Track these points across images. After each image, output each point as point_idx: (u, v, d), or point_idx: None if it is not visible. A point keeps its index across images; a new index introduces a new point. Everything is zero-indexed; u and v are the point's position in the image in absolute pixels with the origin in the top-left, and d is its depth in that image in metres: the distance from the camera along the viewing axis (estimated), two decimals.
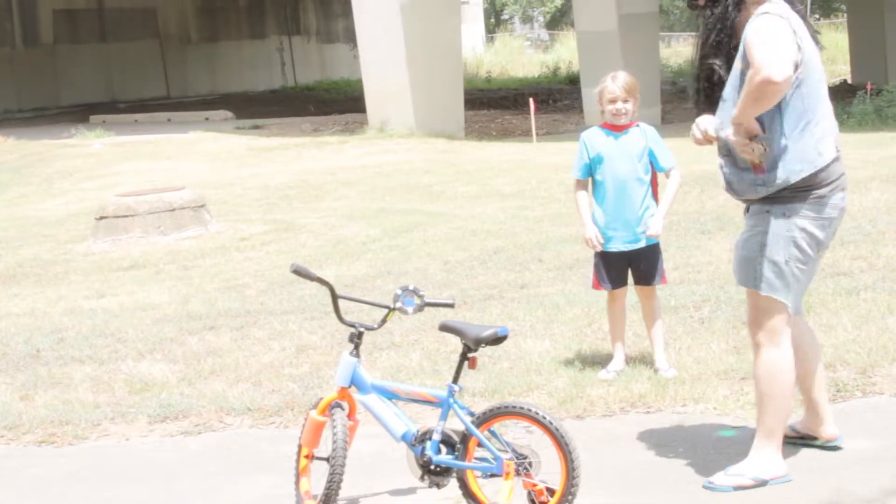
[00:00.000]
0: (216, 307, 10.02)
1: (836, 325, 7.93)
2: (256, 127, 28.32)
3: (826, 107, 5.44)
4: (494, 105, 34.11)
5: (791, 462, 5.79)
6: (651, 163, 7.22)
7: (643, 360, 7.50)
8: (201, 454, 6.70)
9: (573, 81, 37.30)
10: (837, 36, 49.17)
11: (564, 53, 50.18)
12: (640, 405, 6.82)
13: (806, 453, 5.94)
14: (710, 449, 6.12)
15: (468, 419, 5.10)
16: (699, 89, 5.71)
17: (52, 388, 8.01)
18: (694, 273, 9.78)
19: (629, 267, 7.34)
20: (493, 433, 5.10)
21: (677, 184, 7.24)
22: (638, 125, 7.25)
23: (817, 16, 65.75)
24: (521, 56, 56.21)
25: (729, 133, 5.32)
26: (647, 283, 7.29)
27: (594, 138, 7.31)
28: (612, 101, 7.16)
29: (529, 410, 5.05)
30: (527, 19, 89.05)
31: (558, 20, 79.76)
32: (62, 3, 41.84)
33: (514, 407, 5.13)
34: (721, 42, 5.51)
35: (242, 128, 28.16)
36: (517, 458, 5.01)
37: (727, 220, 12.01)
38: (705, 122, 5.49)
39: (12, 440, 7.18)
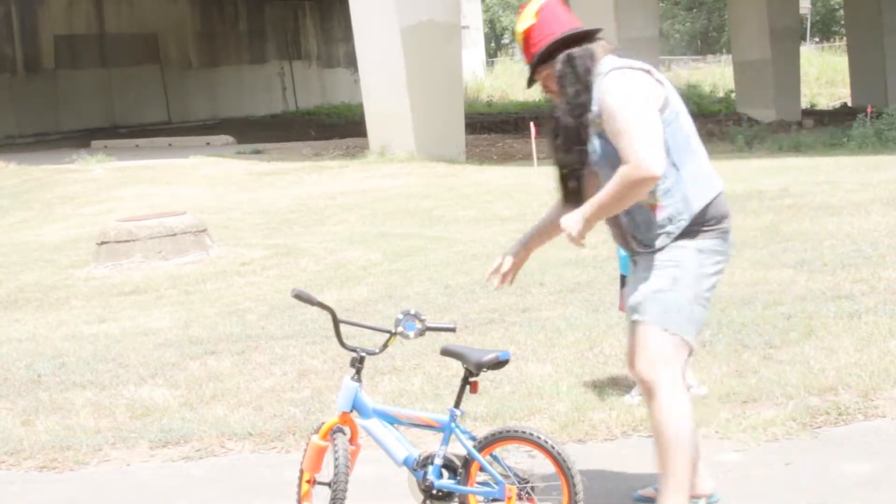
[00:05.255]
0: (217, 332, 10.02)
1: (837, 348, 7.92)
2: (257, 151, 28.39)
3: (697, 139, 5.20)
4: (495, 129, 34.19)
5: (793, 483, 5.78)
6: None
7: None
8: (202, 479, 6.68)
9: None
10: (837, 59, 49.32)
11: None
12: (642, 429, 6.80)
13: (806, 475, 5.92)
14: (712, 472, 6.10)
15: (470, 444, 5.09)
16: (565, 188, 5.37)
17: (53, 414, 8.00)
18: None
19: None
20: (494, 458, 5.08)
21: None
22: None
23: (817, 39, 65.98)
24: (521, 80, 56.21)
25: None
26: None
27: None
28: None
29: (531, 435, 5.03)
30: None
31: None
32: (63, 29, 41.99)
33: (517, 431, 5.11)
34: (577, 137, 5.14)
35: (243, 152, 28.22)
36: (519, 482, 4.99)
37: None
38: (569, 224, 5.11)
39: (13, 466, 7.16)
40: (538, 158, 22.66)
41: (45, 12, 41.51)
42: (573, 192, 5.28)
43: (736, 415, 6.86)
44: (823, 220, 13.06)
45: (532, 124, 22.45)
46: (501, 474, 5.01)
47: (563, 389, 7.54)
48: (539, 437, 5.00)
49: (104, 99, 43.02)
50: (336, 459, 5.16)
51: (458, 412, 5.11)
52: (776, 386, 7.23)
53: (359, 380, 5.28)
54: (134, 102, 43.80)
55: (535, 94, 47.83)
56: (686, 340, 5.12)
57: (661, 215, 5.02)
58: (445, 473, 5.15)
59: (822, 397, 7.02)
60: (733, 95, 36.97)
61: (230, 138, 32.46)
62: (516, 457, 5.27)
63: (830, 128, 26.23)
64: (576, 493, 4.95)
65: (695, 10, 77.12)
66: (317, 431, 5.37)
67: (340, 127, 36.30)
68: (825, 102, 40.97)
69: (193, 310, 11.10)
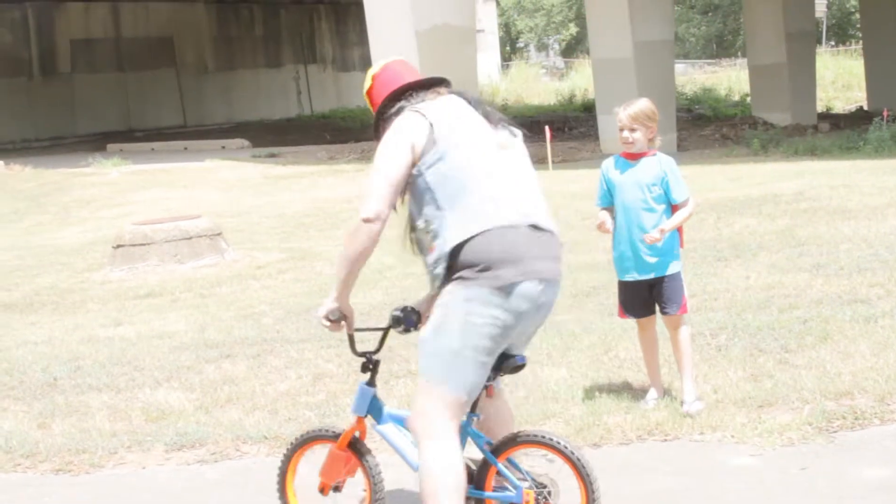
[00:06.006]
0: (233, 335, 10.03)
1: (853, 352, 7.91)
2: (272, 155, 28.43)
3: (496, 178, 4.88)
4: None
5: (809, 488, 5.77)
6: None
7: (665, 388, 7.46)
8: (218, 483, 6.69)
9: (588, 109, 37.39)
10: (853, 63, 49.19)
11: (580, 81, 50.33)
12: (658, 433, 6.80)
13: (823, 480, 5.91)
14: (727, 477, 6.10)
15: (486, 448, 5.08)
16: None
17: (69, 417, 8.02)
18: (710, 300, 9.76)
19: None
20: (511, 462, 5.07)
21: (689, 211, 7.17)
22: (655, 154, 7.18)
23: (833, 42, 65.88)
24: (536, 84, 56.30)
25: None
26: (664, 312, 7.23)
27: (610, 167, 7.29)
28: (620, 130, 7.13)
29: (549, 439, 5.02)
30: (542, 47, 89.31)
31: (574, 48, 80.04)
32: (80, 33, 42.12)
33: (533, 435, 5.09)
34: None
35: (259, 156, 28.27)
36: (536, 487, 4.99)
37: (743, 248, 12.00)
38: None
39: (29, 468, 7.18)
40: (553, 162, 22.64)
41: (61, 16, 41.64)
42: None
43: (752, 419, 6.85)
44: (839, 224, 13.03)
45: (547, 128, 22.43)
46: (519, 479, 5.00)
47: (579, 393, 7.54)
48: (557, 442, 4.99)
49: (120, 103, 43.13)
50: (372, 478, 5.26)
51: (474, 417, 5.10)
52: (792, 390, 7.22)
53: (373, 384, 5.29)
54: (150, 106, 43.91)
55: (551, 97, 47.91)
56: (449, 393, 4.83)
57: (430, 258, 4.87)
58: None
59: (838, 402, 7.01)
60: (749, 99, 36.88)
61: (246, 142, 32.51)
62: (533, 461, 5.25)
63: (846, 131, 26.14)
64: (594, 499, 4.94)
65: (710, 14, 77.03)
66: (303, 444, 5.43)
67: (356, 130, 36.30)
68: (841, 106, 40.84)
69: (209, 313, 11.12)
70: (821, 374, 7.49)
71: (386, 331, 5.23)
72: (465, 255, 4.74)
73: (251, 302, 11.56)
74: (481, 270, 4.73)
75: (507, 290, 4.73)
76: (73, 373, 9.16)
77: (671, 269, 7.15)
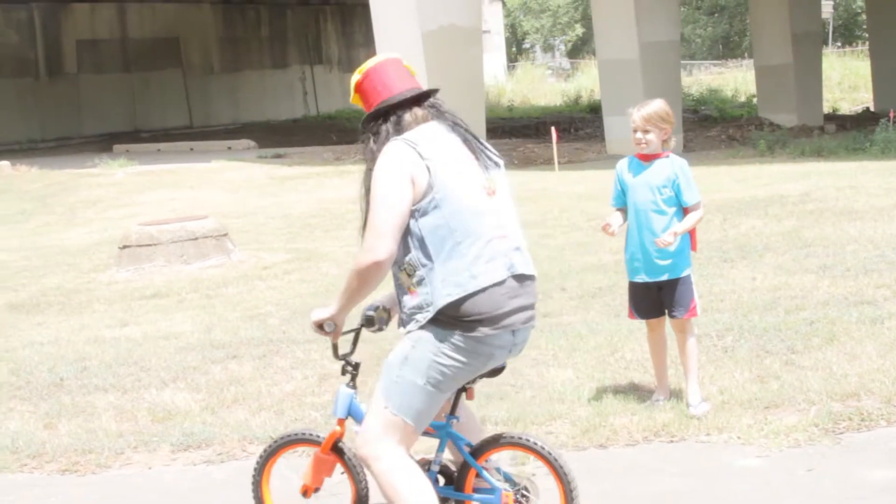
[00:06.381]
0: (239, 336, 10.04)
1: (860, 353, 7.90)
2: (278, 156, 28.43)
3: (485, 226, 4.84)
4: (516, 134, 34.17)
5: (815, 489, 5.77)
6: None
7: (670, 389, 7.45)
8: (224, 483, 6.70)
9: (595, 110, 37.40)
10: (859, 64, 49.13)
11: (586, 82, 50.30)
12: (664, 434, 6.80)
13: (829, 481, 5.91)
14: (734, 478, 6.10)
15: (466, 450, 5.08)
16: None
17: (75, 417, 8.03)
18: (717, 302, 9.75)
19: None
20: (490, 463, 5.07)
21: (699, 216, 7.14)
22: (668, 156, 7.15)
23: (839, 43, 65.80)
24: (542, 85, 56.30)
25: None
26: (672, 315, 7.22)
27: (624, 167, 7.27)
28: (634, 131, 7.12)
29: (527, 441, 5.02)
30: (548, 48, 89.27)
31: (580, 49, 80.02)
32: (86, 34, 42.16)
33: (512, 437, 5.09)
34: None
35: (265, 157, 28.27)
36: (515, 488, 4.99)
37: (749, 249, 11.99)
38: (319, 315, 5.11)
39: (36, 469, 7.19)
40: (559, 163, 22.65)
41: (67, 17, 41.67)
42: None
43: (758, 420, 6.85)
44: (846, 225, 13.02)
45: (553, 129, 22.45)
46: (498, 480, 5.00)
47: (585, 394, 7.54)
48: (535, 444, 5.00)
49: (126, 103, 43.16)
50: (357, 482, 5.25)
51: (454, 419, 5.09)
52: (798, 391, 7.22)
53: (353, 387, 5.27)
54: (156, 107, 43.94)
55: (557, 98, 47.91)
56: (403, 422, 4.85)
57: (412, 302, 4.83)
58: (441, 479, 5.14)
59: (844, 403, 7.01)
60: (755, 100, 36.85)
61: (252, 143, 32.52)
62: (512, 462, 5.24)
63: (853, 132, 26.11)
64: (572, 498, 4.96)
65: (716, 15, 76.98)
66: (282, 447, 5.42)
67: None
68: (847, 107, 40.81)
69: (215, 314, 11.13)
70: (827, 375, 7.49)
71: (358, 331, 5.22)
72: (448, 309, 4.76)
73: (257, 303, 11.57)
74: (467, 322, 4.76)
75: (480, 339, 4.78)
76: (79, 373, 9.17)
77: (681, 272, 7.12)
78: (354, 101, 5.21)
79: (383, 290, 5.19)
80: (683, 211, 7.09)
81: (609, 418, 7.06)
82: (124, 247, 13.87)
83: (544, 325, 9.55)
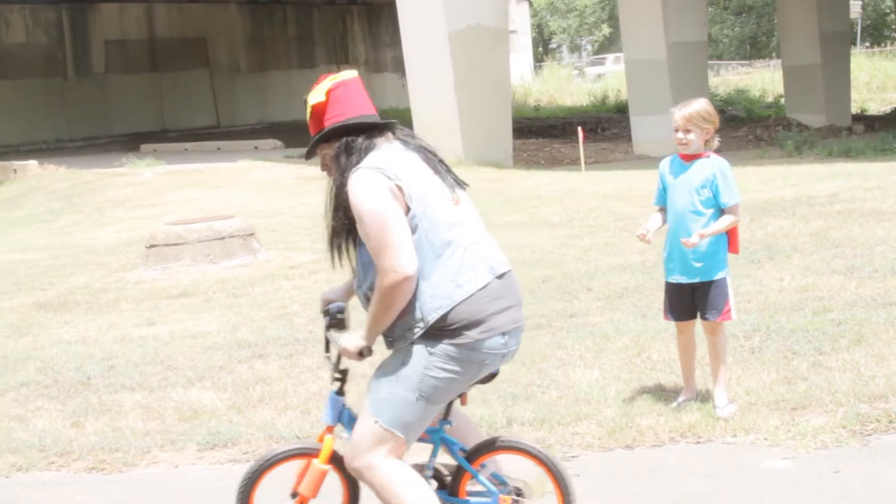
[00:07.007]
0: (265, 335, 10.05)
1: (888, 355, 7.86)
2: None
3: (461, 235, 4.87)
4: (543, 134, 34.15)
5: (842, 491, 5.74)
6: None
7: (697, 390, 7.43)
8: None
9: (621, 110, 37.36)
10: (887, 64, 48.93)
11: (612, 82, 50.21)
12: (690, 435, 6.78)
13: (856, 483, 5.88)
14: (760, 480, 6.07)
15: (460, 454, 5.06)
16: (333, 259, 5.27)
17: (102, 416, 8.06)
18: (744, 303, 9.71)
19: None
20: (485, 468, 5.05)
21: (731, 220, 7.07)
22: (708, 156, 7.09)
23: (868, 43, 65.52)
24: (569, 85, 56.23)
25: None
26: (704, 317, 7.17)
27: (666, 167, 7.22)
28: (675, 130, 7.05)
29: (521, 444, 5.01)
30: (575, 48, 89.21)
31: (606, 49, 79.90)
32: (114, 34, 42.35)
33: (506, 441, 5.06)
34: (340, 222, 5.10)
35: (291, 157, 28.30)
36: (511, 492, 4.97)
37: (777, 250, 11.94)
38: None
39: (63, 467, 7.22)
40: (586, 163, 22.62)
41: (95, 17, 41.87)
42: (355, 270, 5.15)
43: (785, 422, 6.82)
44: (874, 226, 12.95)
45: (580, 129, 22.42)
46: (494, 484, 4.98)
47: (611, 395, 7.52)
48: (530, 447, 4.99)
49: (154, 103, 43.34)
50: (350, 488, 5.24)
51: (447, 424, 5.07)
52: (826, 393, 7.18)
53: (342, 393, 5.24)
54: (183, 106, 44.11)
55: (583, 98, 47.86)
56: (395, 435, 4.83)
57: (402, 320, 4.81)
58: (435, 484, 5.11)
59: (872, 405, 6.97)
60: (782, 100, 36.76)
61: (278, 142, 32.57)
62: (509, 466, 5.21)
63: (881, 133, 26.05)
64: (570, 502, 4.95)
65: (743, 15, 76.78)
66: (276, 461, 5.37)
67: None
68: (876, 108, 40.66)
69: (241, 313, 11.15)
70: (855, 376, 7.45)
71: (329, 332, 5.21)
72: (445, 320, 4.75)
73: (283, 302, 11.58)
74: (457, 330, 4.75)
75: (471, 346, 4.77)
76: (106, 372, 9.20)
77: (714, 275, 7.07)
78: (315, 104, 5.13)
79: (335, 287, 5.37)
80: (721, 213, 7.03)
81: (635, 419, 7.04)
82: (151, 246, 13.91)
83: (570, 325, 9.54)
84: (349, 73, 5.13)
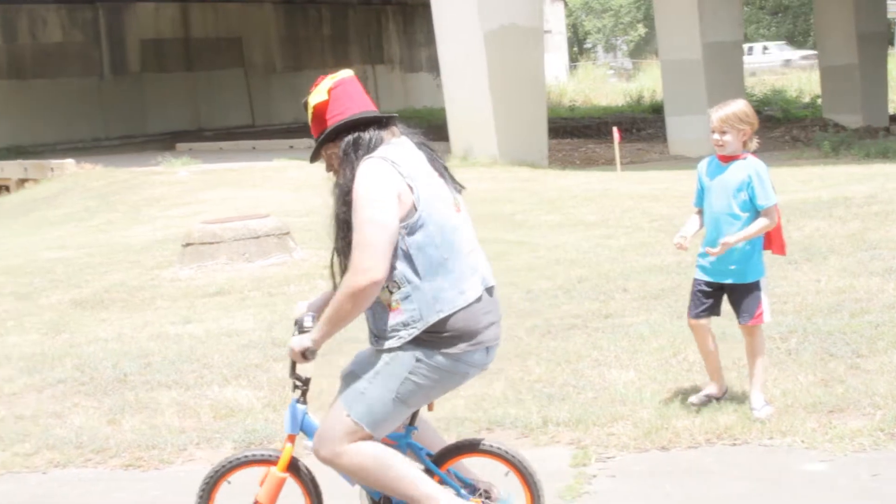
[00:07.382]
0: None
1: None
2: None
3: (462, 241, 4.90)
4: (578, 134, 34.09)
5: (880, 494, 5.70)
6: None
7: (733, 391, 7.40)
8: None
9: (657, 110, 37.24)
10: None
11: (648, 82, 50.09)
12: (727, 437, 6.75)
13: (894, 487, 5.85)
14: (797, 482, 6.04)
15: (428, 458, 5.04)
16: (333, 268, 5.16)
17: (138, 413, 8.10)
18: (780, 304, 9.67)
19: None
20: (452, 472, 5.03)
21: (763, 224, 7.01)
22: (745, 158, 7.04)
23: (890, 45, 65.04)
24: (604, 85, 56.12)
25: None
26: (739, 320, 7.13)
27: (703, 168, 7.18)
28: (712, 132, 7.01)
29: (490, 446, 5.01)
30: (610, 48, 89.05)
31: (642, 49, 79.75)
32: (150, 33, 42.54)
33: (472, 444, 5.06)
34: (346, 223, 4.96)
35: None
36: (480, 494, 4.97)
37: (814, 251, 11.88)
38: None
39: (100, 464, 7.26)
40: (621, 163, 22.57)
41: (131, 17, 42.07)
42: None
43: (822, 424, 6.79)
44: None
45: (615, 129, 22.37)
46: (463, 487, 4.98)
47: (647, 396, 7.50)
48: (498, 449, 5.00)
49: (189, 102, 43.50)
50: (312, 497, 5.24)
51: (413, 430, 5.06)
52: (863, 395, 7.14)
53: (304, 402, 5.23)
54: (218, 106, 44.24)
55: (619, 98, 47.76)
56: (363, 430, 4.86)
57: (396, 319, 4.80)
58: None
59: None
60: (819, 101, 36.59)
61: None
62: (478, 468, 5.20)
63: None
64: (538, 499, 4.95)
65: (780, 15, 76.45)
66: (233, 468, 5.35)
67: (423, 131, 36.34)
68: None
69: (277, 312, 11.17)
70: (893, 379, 7.41)
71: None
72: (434, 325, 4.78)
73: None
74: (449, 339, 4.78)
75: (458, 357, 4.80)
76: (142, 369, 9.24)
77: (748, 279, 7.02)
78: (317, 104, 5.13)
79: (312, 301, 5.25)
80: (758, 215, 6.98)
81: (671, 420, 7.02)
82: (187, 244, 13.96)
83: (606, 326, 9.52)
84: (346, 73, 5.16)
